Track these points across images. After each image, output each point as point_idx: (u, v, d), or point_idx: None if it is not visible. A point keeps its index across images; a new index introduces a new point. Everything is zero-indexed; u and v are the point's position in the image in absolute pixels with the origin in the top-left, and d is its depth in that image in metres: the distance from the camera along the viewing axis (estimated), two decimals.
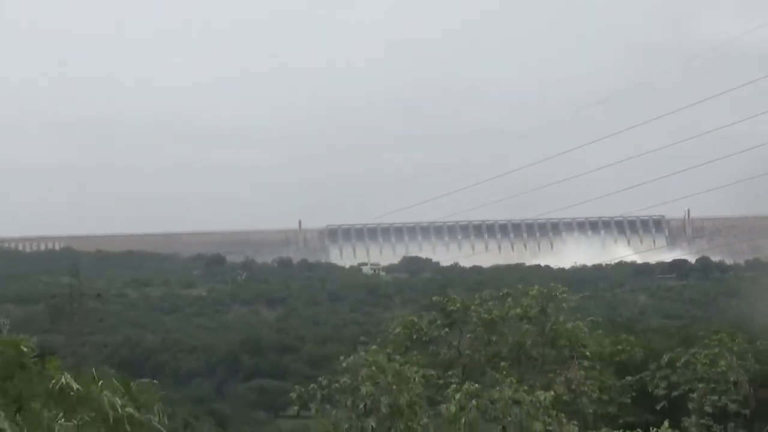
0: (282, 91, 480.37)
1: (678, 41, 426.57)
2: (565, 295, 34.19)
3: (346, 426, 25.83)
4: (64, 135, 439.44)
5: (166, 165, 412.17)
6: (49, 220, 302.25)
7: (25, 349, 13.14)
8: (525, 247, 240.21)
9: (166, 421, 13.42)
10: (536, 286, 34.30)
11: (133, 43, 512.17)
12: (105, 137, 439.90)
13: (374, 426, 25.41)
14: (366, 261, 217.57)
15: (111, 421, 11.83)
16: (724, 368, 33.36)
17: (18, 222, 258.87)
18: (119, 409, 12.06)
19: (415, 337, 32.59)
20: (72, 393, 12.44)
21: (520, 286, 35.71)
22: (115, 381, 13.30)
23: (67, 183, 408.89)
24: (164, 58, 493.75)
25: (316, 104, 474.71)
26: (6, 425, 9.78)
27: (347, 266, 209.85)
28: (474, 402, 23.46)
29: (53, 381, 12.52)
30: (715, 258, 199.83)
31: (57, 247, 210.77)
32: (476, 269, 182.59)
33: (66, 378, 12.88)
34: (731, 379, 32.95)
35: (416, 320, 33.09)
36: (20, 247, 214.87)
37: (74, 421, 11.95)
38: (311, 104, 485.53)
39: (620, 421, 29.37)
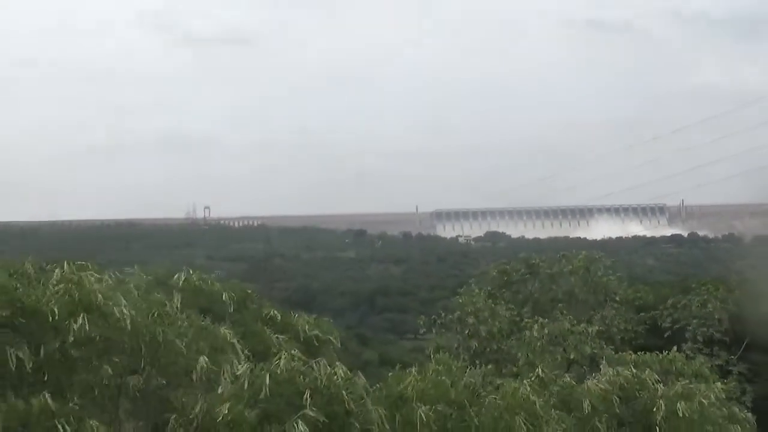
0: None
1: None
2: (603, 259, 34.28)
3: (456, 344, 26.18)
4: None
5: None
6: (247, 203, 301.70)
7: (249, 292, 13.65)
8: (570, 225, 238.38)
9: (339, 343, 13.33)
10: (583, 252, 34.27)
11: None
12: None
13: (476, 345, 25.67)
14: (461, 234, 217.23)
15: (301, 339, 12.15)
16: (711, 309, 33.08)
17: (229, 205, 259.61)
18: (308, 332, 12.44)
19: (505, 279, 32.75)
20: (277, 321, 12.81)
21: (573, 251, 35.53)
22: (305, 315, 13.62)
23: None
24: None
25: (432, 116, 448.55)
26: (235, 341, 9.81)
27: (448, 238, 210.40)
28: (546, 330, 23.62)
29: (265, 313, 12.91)
30: (701, 233, 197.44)
31: (255, 224, 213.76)
32: (536, 240, 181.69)
33: (273, 312, 13.31)
34: (716, 316, 32.65)
35: (507, 267, 33.24)
36: (231, 224, 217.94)
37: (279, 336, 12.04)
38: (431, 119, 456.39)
39: (639, 345, 29.11)
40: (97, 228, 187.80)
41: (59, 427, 7.77)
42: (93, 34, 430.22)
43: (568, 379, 10.13)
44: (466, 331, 26.48)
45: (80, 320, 8.24)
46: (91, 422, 8.15)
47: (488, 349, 25.32)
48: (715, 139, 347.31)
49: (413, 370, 10.23)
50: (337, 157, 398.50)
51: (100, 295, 8.46)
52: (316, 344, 12.48)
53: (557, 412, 8.97)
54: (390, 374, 10.52)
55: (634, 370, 11.28)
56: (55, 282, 8.66)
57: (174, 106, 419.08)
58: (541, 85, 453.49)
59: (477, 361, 21.67)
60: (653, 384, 10.35)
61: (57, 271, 8.95)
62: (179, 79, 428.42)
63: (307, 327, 12.94)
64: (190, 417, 8.16)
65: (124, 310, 8.43)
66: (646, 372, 11.54)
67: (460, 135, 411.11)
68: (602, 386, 10.06)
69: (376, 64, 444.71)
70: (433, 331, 28.64)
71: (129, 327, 8.45)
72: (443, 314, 28.36)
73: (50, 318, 8.29)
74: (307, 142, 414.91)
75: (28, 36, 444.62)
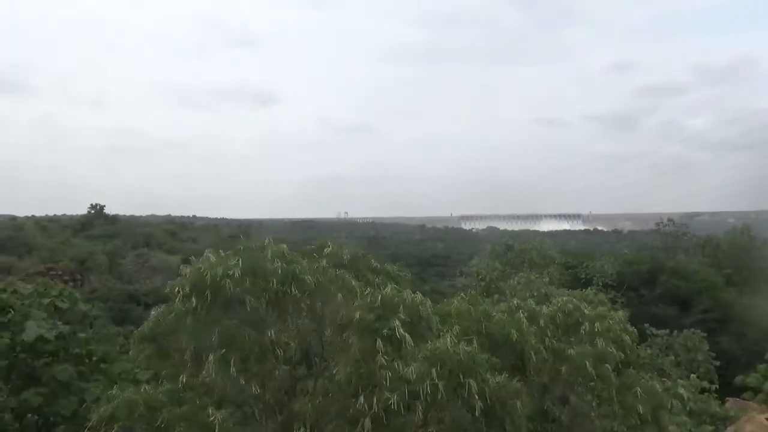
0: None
1: None
2: (546, 242, 33.36)
3: (474, 284, 25.60)
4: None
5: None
6: (368, 208, 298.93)
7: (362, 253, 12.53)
8: (530, 223, 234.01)
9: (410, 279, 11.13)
10: (538, 238, 33.41)
11: None
12: None
13: (483, 284, 25.40)
14: (474, 227, 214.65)
15: (392, 277, 9.74)
16: (606, 268, 32.21)
17: (356, 210, 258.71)
18: (393, 273, 10.17)
19: (495, 252, 32.01)
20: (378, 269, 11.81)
21: (534, 239, 34.37)
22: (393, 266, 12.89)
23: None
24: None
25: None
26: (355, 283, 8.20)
27: (466, 229, 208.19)
28: (521, 280, 23.17)
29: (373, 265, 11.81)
30: (600, 228, 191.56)
31: (368, 222, 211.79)
32: (512, 231, 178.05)
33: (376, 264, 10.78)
34: (609, 272, 31.72)
35: (497, 247, 32.34)
36: (358, 221, 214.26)
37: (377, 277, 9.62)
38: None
39: (567, 287, 28.17)
40: (285, 224, 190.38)
41: None
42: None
43: (533, 305, 9.88)
44: (479, 277, 26.33)
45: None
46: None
47: (491, 287, 25.08)
48: (608, 176, 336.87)
49: (454, 299, 9.92)
50: (405, 174, 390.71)
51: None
52: (399, 281, 11.76)
53: (527, 324, 8.73)
54: (442, 301, 10.14)
55: (575, 301, 10.78)
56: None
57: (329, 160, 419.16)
58: (516, 150, 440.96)
59: (484, 293, 21.58)
60: (584, 309, 10.02)
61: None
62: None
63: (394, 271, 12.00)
64: (338, 320, 7.66)
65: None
66: (582, 303, 11.06)
67: (476, 173, 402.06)
68: (552, 309, 9.82)
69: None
70: (463, 276, 28.51)
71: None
72: (465, 268, 28.27)
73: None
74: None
75: None
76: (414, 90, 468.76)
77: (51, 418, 12.57)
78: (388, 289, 7.56)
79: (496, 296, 11.01)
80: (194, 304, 6.99)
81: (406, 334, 6.82)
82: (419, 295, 7.76)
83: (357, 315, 7.15)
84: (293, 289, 7.28)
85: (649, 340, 25.06)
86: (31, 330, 12.70)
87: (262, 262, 7.42)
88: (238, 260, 7.29)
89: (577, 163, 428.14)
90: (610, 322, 9.81)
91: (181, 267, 7.71)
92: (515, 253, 31.42)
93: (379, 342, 6.75)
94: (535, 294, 22.31)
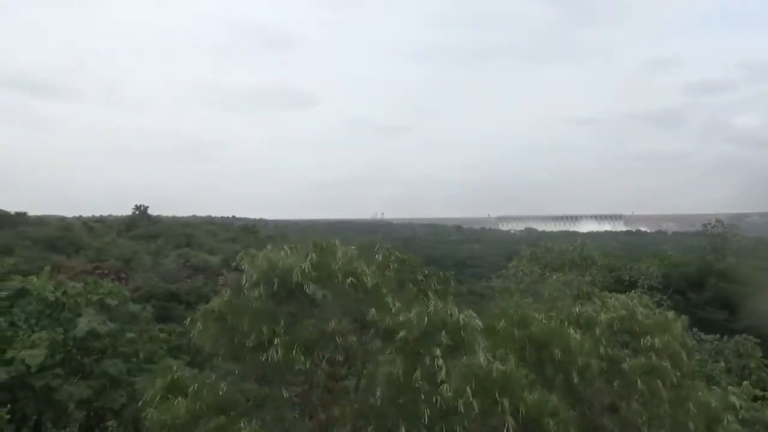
0: None
1: None
2: (587, 243, 32.63)
3: (512, 286, 25.51)
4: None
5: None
6: (400, 210, 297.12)
7: (407, 257, 12.30)
8: (568, 225, 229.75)
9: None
10: (578, 241, 32.62)
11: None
12: None
13: (522, 287, 25.01)
14: (511, 228, 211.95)
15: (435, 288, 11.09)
16: (651, 270, 31.23)
17: (393, 211, 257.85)
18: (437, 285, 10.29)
19: (535, 255, 31.51)
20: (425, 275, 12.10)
21: (575, 240, 33.67)
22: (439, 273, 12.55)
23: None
24: None
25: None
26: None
27: (504, 230, 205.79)
28: (560, 281, 22.68)
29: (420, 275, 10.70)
30: (643, 230, 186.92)
31: (406, 222, 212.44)
32: (551, 233, 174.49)
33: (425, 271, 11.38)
34: (654, 274, 30.77)
35: (535, 250, 31.92)
36: (394, 222, 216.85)
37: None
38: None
39: (609, 289, 27.54)
40: (323, 224, 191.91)
41: None
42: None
43: (590, 311, 9.39)
44: (517, 280, 25.86)
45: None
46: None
47: (529, 289, 24.60)
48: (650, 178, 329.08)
49: (498, 305, 9.51)
50: (441, 175, 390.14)
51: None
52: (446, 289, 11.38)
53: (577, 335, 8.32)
54: (488, 309, 9.71)
55: (630, 304, 10.18)
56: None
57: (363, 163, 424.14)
58: (551, 152, 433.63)
59: (522, 295, 21.07)
60: (639, 315, 9.52)
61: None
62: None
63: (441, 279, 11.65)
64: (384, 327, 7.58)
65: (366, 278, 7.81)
66: (637, 308, 10.48)
67: (508, 176, 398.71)
68: (609, 316, 9.34)
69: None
70: (500, 279, 28.07)
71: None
72: (503, 271, 27.82)
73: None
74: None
75: None
76: (449, 91, 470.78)
77: (100, 411, 12.71)
78: (434, 305, 7.38)
79: (530, 300, 10.45)
80: (262, 292, 7.05)
81: (443, 365, 6.72)
82: (463, 315, 7.52)
83: (402, 333, 7.06)
84: (353, 288, 7.27)
85: (698, 345, 23.92)
86: (83, 325, 12.79)
87: (329, 260, 7.45)
88: (309, 255, 7.34)
89: (618, 163, 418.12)
90: (669, 337, 9.19)
91: (239, 256, 7.67)
92: (555, 255, 30.67)
93: (418, 372, 6.71)
94: (576, 294, 21.65)
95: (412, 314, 7.30)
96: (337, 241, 8.02)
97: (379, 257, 9.23)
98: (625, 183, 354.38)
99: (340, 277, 7.30)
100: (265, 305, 7.18)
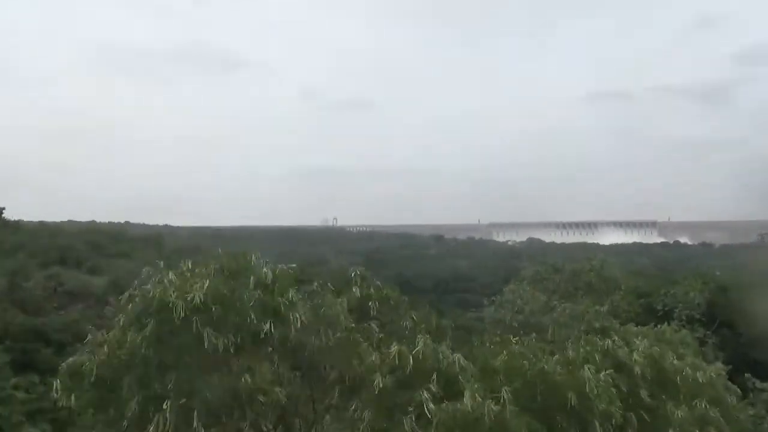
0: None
1: None
2: (610, 260, 33.59)
3: (508, 318, 26.01)
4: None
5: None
6: (362, 216, 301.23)
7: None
8: (586, 234, 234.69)
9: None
10: (598, 256, 33.59)
11: None
12: None
13: (521, 319, 25.45)
14: (509, 239, 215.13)
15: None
16: (692, 296, 32.07)
17: (350, 217, 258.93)
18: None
19: (538, 277, 32.39)
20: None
21: (593, 254, 34.94)
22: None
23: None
24: None
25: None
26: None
27: (500, 241, 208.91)
28: (567, 311, 23.25)
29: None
30: (682, 241, 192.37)
31: (366, 230, 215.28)
32: (562, 245, 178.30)
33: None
34: (696, 302, 31.59)
35: (540, 269, 32.93)
36: (351, 230, 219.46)
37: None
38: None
39: (638, 321, 28.26)
40: (263, 231, 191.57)
41: None
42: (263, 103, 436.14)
43: (621, 350, 9.66)
44: (515, 309, 26.32)
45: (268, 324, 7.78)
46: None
47: (530, 322, 25.02)
48: (693, 175, 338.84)
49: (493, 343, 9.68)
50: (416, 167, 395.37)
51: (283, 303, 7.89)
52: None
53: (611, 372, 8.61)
54: (476, 347, 9.85)
55: (657, 349, 10.57)
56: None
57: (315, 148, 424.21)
58: (564, 136, 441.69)
59: (522, 331, 21.40)
60: (671, 358, 9.82)
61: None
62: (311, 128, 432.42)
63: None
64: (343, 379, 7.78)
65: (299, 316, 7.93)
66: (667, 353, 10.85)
67: (508, 168, 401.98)
68: (641, 358, 9.60)
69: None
70: (492, 308, 28.52)
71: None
72: (497, 297, 28.28)
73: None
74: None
75: None
76: (427, 56, 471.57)
77: None
78: (421, 344, 7.64)
79: (533, 336, 10.69)
80: (143, 340, 6.94)
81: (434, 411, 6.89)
82: (449, 352, 7.89)
83: (377, 379, 7.22)
84: (273, 329, 7.29)
85: (752, 395, 24.60)
86: None
87: (239, 288, 7.42)
88: (205, 283, 7.22)
89: (648, 153, 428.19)
90: (707, 377, 9.59)
91: (132, 288, 7.61)
92: (566, 276, 31.27)
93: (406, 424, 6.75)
94: (591, 328, 22.05)
95: (392, 351, 7.54)
96: (254, 256, 7.98)
97: (356, 291, 9.33)
98: (658, 179, 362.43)
99: (252, 317, 7.31)
100: (154, 354, 6.99)
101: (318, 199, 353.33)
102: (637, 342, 10.22)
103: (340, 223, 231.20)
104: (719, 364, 10.44)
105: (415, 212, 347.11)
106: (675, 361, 9.75)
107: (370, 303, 9.56)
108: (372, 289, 10.26)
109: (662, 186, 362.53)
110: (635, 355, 9.43)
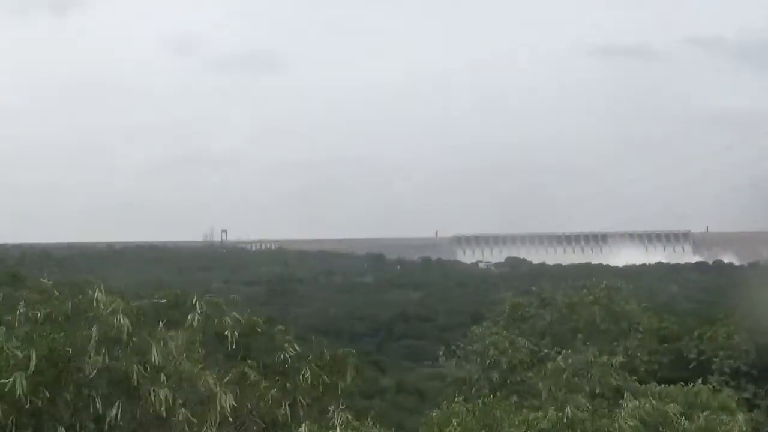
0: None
1: None
2: (625, 287, 34.15)
3: (476, 377, 26.15)
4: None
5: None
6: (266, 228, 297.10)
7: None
8: (591, 250, 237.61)
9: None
10: (604, 282, 34.12)
11: None
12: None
13: (496, 377, 25.59)
14: (481, 260, 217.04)
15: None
16: (738, 340, 32.80)
17: (246, 229, 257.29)
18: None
19: (519, 313, 32.75)
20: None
21: (594, 280, 35.44)
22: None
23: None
24: None
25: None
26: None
27: (468, 263, 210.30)
28: (569, 362, 23.52)
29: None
30: (727, 260, 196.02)
31: (272, 248, 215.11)
32: (557, 267, 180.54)
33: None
34: (743, 348, 32.36)
35: (521, 302, 33.26)
36: (249, 247, 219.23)
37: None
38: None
39: (663, 377, 28.94)
40: (118, 251, 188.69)
41: None
42: (111, 53, 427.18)
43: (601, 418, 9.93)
44: (487, 362, 26.47)
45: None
46: None
47: (509, 381, 25.24)
48: (739, 164, 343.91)
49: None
50: (354, 180, 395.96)
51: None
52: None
53: None
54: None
55: (655, 403, 11.04)
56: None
57: (193, 127, 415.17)
58: (558, 107, 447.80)
59: (498, 393, 21.52)
60: (676, 418, 10.18)
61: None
62: (198, 100, 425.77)
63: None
64: None
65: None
66: (670, 405, 11.29)
67: (481, 157, 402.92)
68: (632, 423, 9.93)
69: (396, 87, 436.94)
70: (453, 361, 28.64)
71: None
72: (461, 344, 28.44)
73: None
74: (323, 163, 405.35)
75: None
76: None
77: None
78: None
79: (514, 399, 10.99)
80: None
81: None
82: None
83: None
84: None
85: None
86: None
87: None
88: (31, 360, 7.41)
89: (676, 131, 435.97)
90: None
91: None
92: (561, 311, 31.75)
93: None
94: (597, 390, 22.41)
95: None
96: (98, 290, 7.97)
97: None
98: (691, 176, 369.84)
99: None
100: None
101: (194, 204, 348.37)
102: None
103: (231, 238, 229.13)
104: None
105: (342, 221, 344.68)
106: None
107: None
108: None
109: (696, 183, 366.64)
110: None
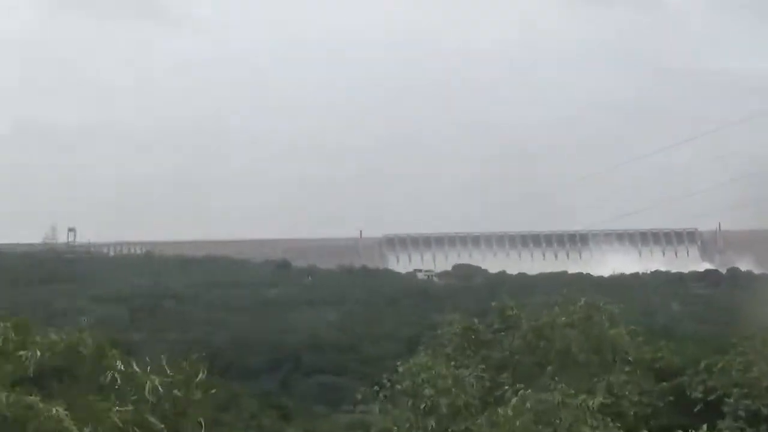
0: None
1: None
2: (608, 306, 34.17)
3: (407, 425, 25.91)
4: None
5: (227, 174, 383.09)
6: (131, 226, 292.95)
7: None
8: (567, 256, 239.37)
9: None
10: (583, 299, 34.18)
11: None
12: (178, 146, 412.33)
13: (434, 425, 25.44)
14: (420, 268, 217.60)
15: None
16: (757, 374, 33.04)
17: (103, 227, 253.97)
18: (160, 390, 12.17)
19: (472, 338, 32.69)
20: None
21: (564, 291, 35.58)
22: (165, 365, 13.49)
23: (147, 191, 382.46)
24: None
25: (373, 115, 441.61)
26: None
27: (403, 272, 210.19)
28: (528, 405, 23.41)
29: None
30: (745, 268, 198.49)
31: (138, 252, 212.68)
32: (522, 276, 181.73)
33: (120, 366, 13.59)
34: (765, 384, 32.59)
35: (475, 324, 33.16)
36: (105, 251, 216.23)
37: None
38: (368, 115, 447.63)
39: (659, 423, 29.13)
40: None
41: None
42: None
43: None
44: (422, 406, 26.24)
45: None
46: None
47: (451, 430, 25.04)
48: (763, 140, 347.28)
49: None
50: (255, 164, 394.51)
51: None
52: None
53: None
54: None
55: None
56: None
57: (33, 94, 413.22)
58: (531, 71, 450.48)
59: None
60: None
61: None
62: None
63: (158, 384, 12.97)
64: None
65: None
66: None
67: (421, 138, 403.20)
68: None
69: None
70: (377, 405, 28.36)
71: None
72: (389, 382, 28.14)
73: None
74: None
75: None
76: None
77: None
78: None
79: None
80: None
81: None
82: None
83: None
84: None
85: None
86: None
87: None
88: None
89: (677, 97, 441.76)
90: None
91: None
92: (525, 336, 31.79)
93: None
94: None
95: None
96: None
97: None
98: (700, 153, 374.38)
99: None
100: None
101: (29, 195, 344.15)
102: None
103: (83, 238, 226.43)
104: None
105: (235, 217, 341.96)
106: None
107: None
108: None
109: (707, 163, 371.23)
110: None
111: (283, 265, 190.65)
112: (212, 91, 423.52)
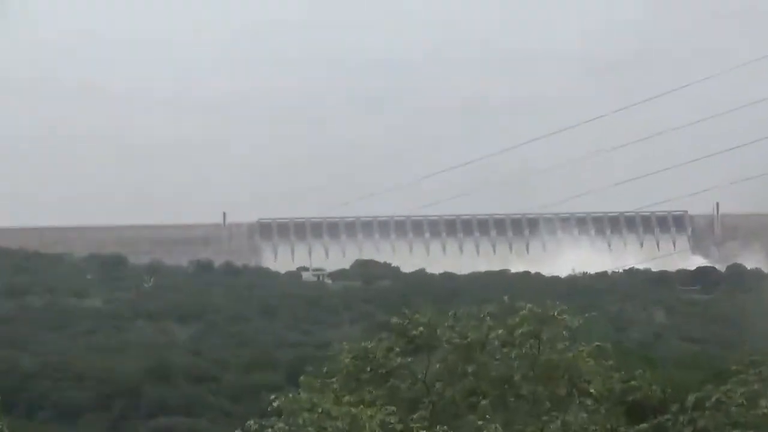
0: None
1: None
2: (565, 316, 34.22)
3: None
4: None
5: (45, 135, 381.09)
6: None
7: None
8: (510, 248, 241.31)
9: None
10: (528, 305, 34.23)
11: None
12: None
13: None
14: (307, 265, 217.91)
15: None
16: (766, 408, 33.51)
17: None
18: None
19: (369, 368, 32.56)
20: None
21: (505, 299, 35.61)
22: None
23: None
24: None
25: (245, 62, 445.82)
26: None
27: (283, 272, 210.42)
28: None
29: None
30: (750, 264, 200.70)
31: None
32: (448, 276, 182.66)
33: None
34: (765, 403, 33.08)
35: (371, 347, 33.01)
36: None
37: None
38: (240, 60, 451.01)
39: None
40: None
41: None
42: None
43: None
44: None
45: None
46: None
47: None
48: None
49: None
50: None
51: None
52: None
53: None
54: None
55: None
56: None
57: None
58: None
59: None
60: None
61: None
62: None
63: None
64: None
65: None
66: None
67: (307, 97, 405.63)
68: None
69: None
70: None
71: None
72: (255, 426, 28.18)
73: None
74: None
75: None
76: None
77: None
78: None
79: None
80: None
81: None
82: None
83: None
84: None
85: None
86: None
87: None
88: None
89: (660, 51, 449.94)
90: None
91: None
92: (444, 360, 32.01)
93: None
94: None
95: None
96: None
97: None
98: (692, 113, 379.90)
99: None
100: None
101: None
102: None
103: None
104: None
105: (50, 199, 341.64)
106: None
107: None
108: None
109: (700, 126, 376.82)
110: None
111: (116, 262, 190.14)
112: None
